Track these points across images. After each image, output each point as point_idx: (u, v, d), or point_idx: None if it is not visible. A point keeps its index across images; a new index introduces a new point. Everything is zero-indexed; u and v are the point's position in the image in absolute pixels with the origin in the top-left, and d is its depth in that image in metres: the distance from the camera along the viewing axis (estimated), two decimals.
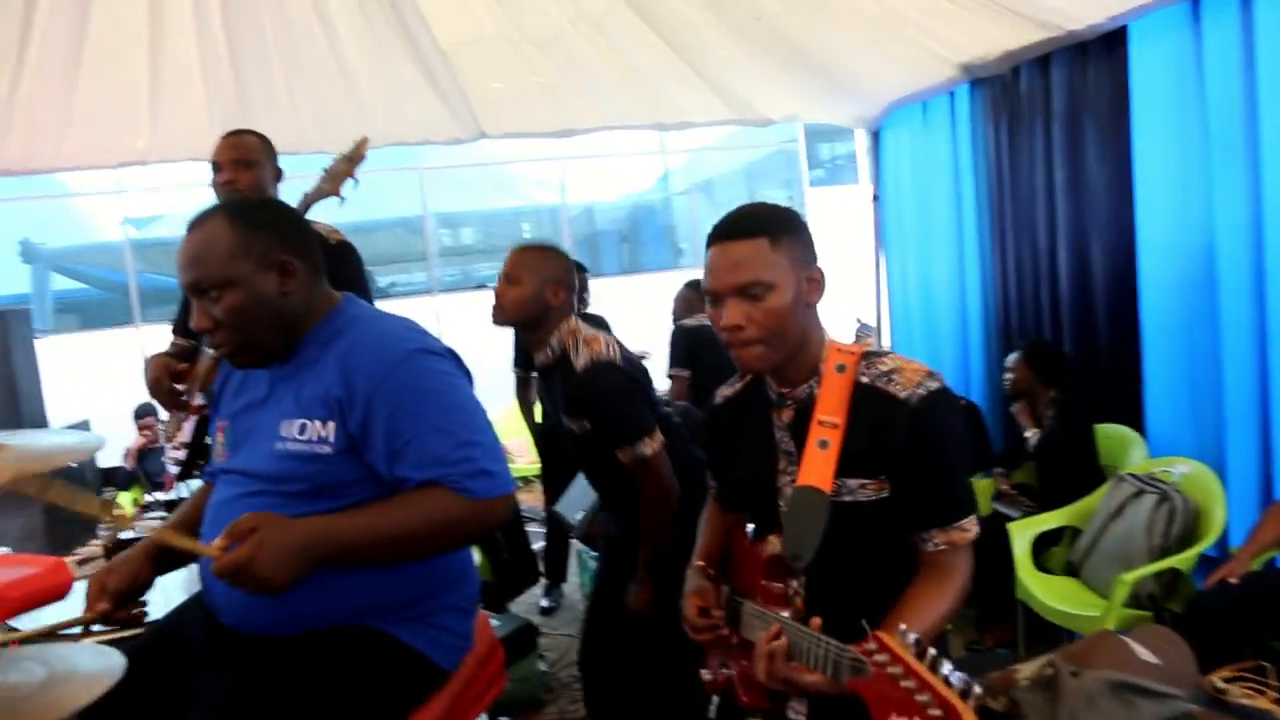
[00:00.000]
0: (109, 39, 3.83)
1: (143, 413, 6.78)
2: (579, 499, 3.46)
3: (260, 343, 1.55)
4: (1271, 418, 3.19)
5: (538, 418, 4.41)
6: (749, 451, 1.60)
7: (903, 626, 1.15)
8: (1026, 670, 1.44)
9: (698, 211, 12.59)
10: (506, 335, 4.68)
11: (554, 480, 4.32)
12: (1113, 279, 3.84)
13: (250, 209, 1.58)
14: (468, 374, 1.61)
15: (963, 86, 4.59)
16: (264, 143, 2.57)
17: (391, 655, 1.54)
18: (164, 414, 2.84)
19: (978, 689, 1.04)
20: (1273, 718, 1.29)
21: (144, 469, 6.46)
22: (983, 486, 3.94)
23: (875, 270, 5.64)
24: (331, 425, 1.48)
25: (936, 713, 1.02)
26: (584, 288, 4.67)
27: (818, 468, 1.42)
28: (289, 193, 2.59)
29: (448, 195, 11.51)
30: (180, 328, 2.70)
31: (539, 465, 4.75)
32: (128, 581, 1.58)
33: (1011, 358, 3.86)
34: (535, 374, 2.73)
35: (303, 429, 1.50)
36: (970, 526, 1.45)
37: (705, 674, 1.68)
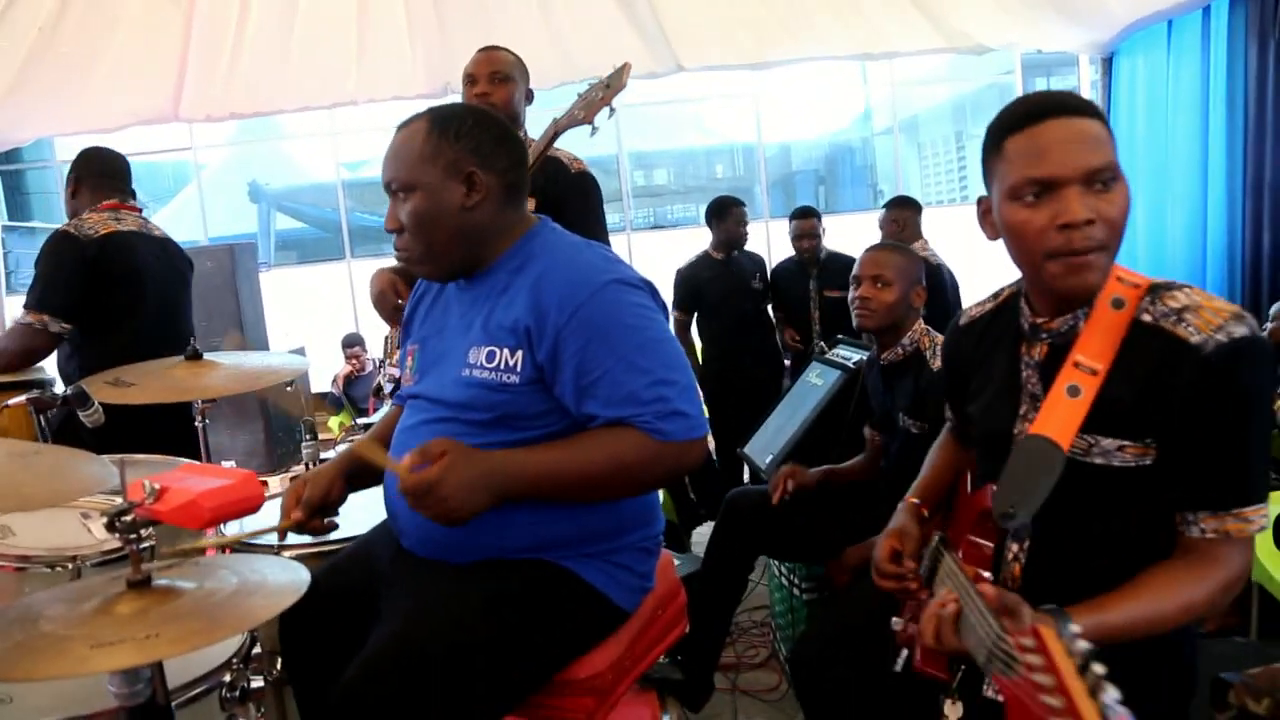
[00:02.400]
0: None
1: (350, 342, 7.22)
2: (770, 442, 3.37)
3: (440, 252, 1.52)
4: None
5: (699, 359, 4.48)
6: (989, 386, 1.40)
7: (1074, 627, 0.93)
8: None
9: (901, 151, 12.00)
10: None
11: (722, 424, 4.39)
12: None
13: (453, 118, 1.53)
14: (664, 308, 1.53)
15: (1221, 1, 4.07)
16: (518, 60, 2.57)
17: (571, 592, 1.51)
18: (369, 346, 2.94)
19: None
20: None
21: (350, 395, 6.89)
22: None
23: None
24: (520, 354, 1.45)
25: None
26: (742, 221, 4.62)
27: (1060, 418, 1.20)
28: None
29: (642, 135, 11.48)
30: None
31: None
32: (321, 493, 1.61)
33: (1278, 306, 3.43)
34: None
35: (491, 356, 1.47)
36: (1255, 517, 1.18)
37: (895, 622, 1.50)
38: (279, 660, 1.62)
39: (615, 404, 1.41)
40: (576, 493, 1.46)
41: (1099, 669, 0.86)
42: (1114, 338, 1.20)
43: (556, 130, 2.39)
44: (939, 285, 4.16)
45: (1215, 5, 4.14)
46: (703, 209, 4.75)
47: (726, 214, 4.66)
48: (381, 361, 2.88)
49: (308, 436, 2.43)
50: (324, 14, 4.20)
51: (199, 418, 2.37)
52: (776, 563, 3.05)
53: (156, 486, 1.18)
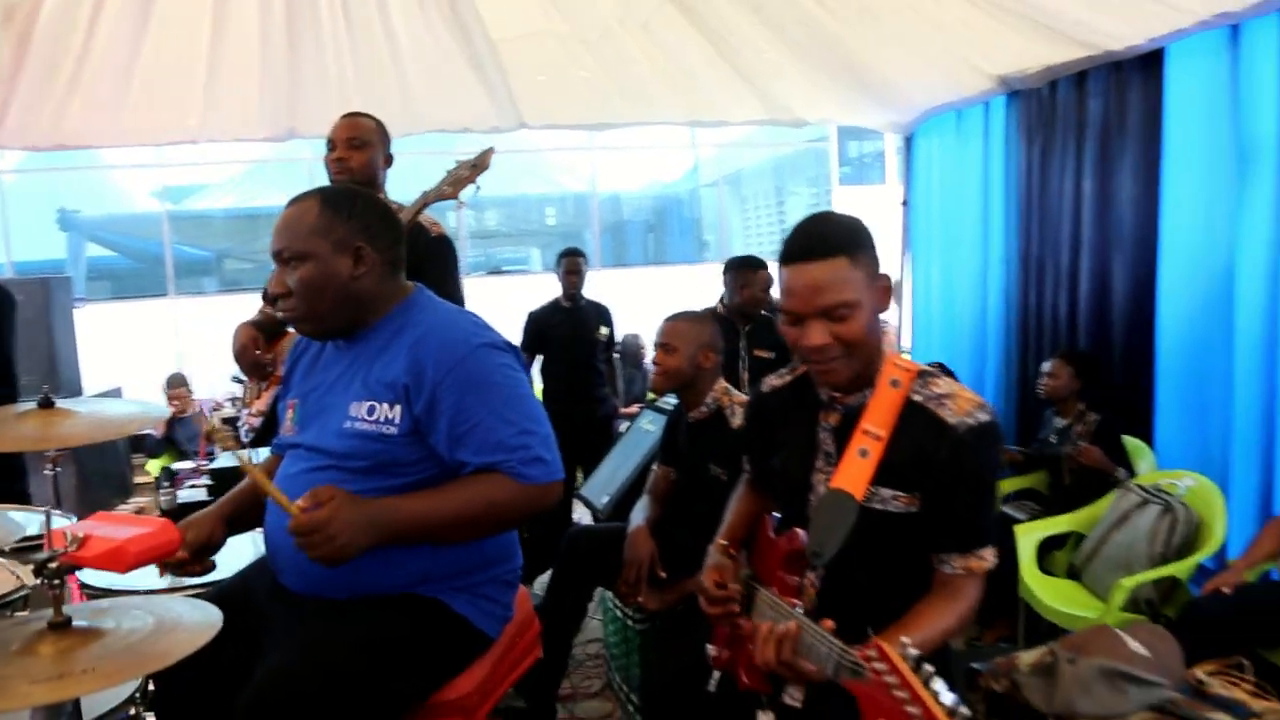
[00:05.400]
0: (174, 21, 3.95)
1: (174, 383, 6.95)
2: (606, 484, 3.60)
3: (324, 316, 1.68)
4: (1275, 437, 3.29)
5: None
6: (789, 444, 1.66)
7: (904, 639, 1.19)
8: (1028, 657, 1.55)
9: (725, 205, 12.63)
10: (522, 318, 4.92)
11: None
12: (1132, 295, 3.93)
13: (342, 197, 1.71)
14: (525, 368, 1.74)
15: (999, 98, 4.68)
16: (379, 126, 2.67)
17: (442, 621, 1.67)
18: (194, 386, 2.97)
19: (965, 710, 1.11)
20: (1246, 706, 1.41)
21: (173, 437, 6.62)
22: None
23: (901, 271, 5.76)
24: (399, 408, 1.62)
25: None
26: (576, 271, 4.86)
27: (853, 474, 1.48)
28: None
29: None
30: (270, 296, 2.83)
31: None
32: (204, 537, 1.72)
33: (1051, 363, 3.93)
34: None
35: (371, 410, 1.63)
36: (988, 556, 1.50)
37: (711, 649, 1.74)
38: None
39: (485, 451, 1.60)
40: (450, 532, 1.62)
41: (928, 668, 1.14)
42: (893, 411, 1.50)
43: (425, 202, 2.58)
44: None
45: (994, 102, 4.74)
46: (533, 253, 4.98)
47: (559, 263, 4.96)
48: (240, 411, 2.94)
49: (165, 484, 2.47)
50: (174, 49, 4.11)
51: (50, 467, 2.37)
52: (611, 596, 3.23)
53: (80, 534, 1.28)
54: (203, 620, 1.26)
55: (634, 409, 5.82)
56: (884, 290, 1.51)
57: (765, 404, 1.78)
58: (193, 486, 3.46)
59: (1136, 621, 2.84)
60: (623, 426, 4.59)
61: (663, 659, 2.65)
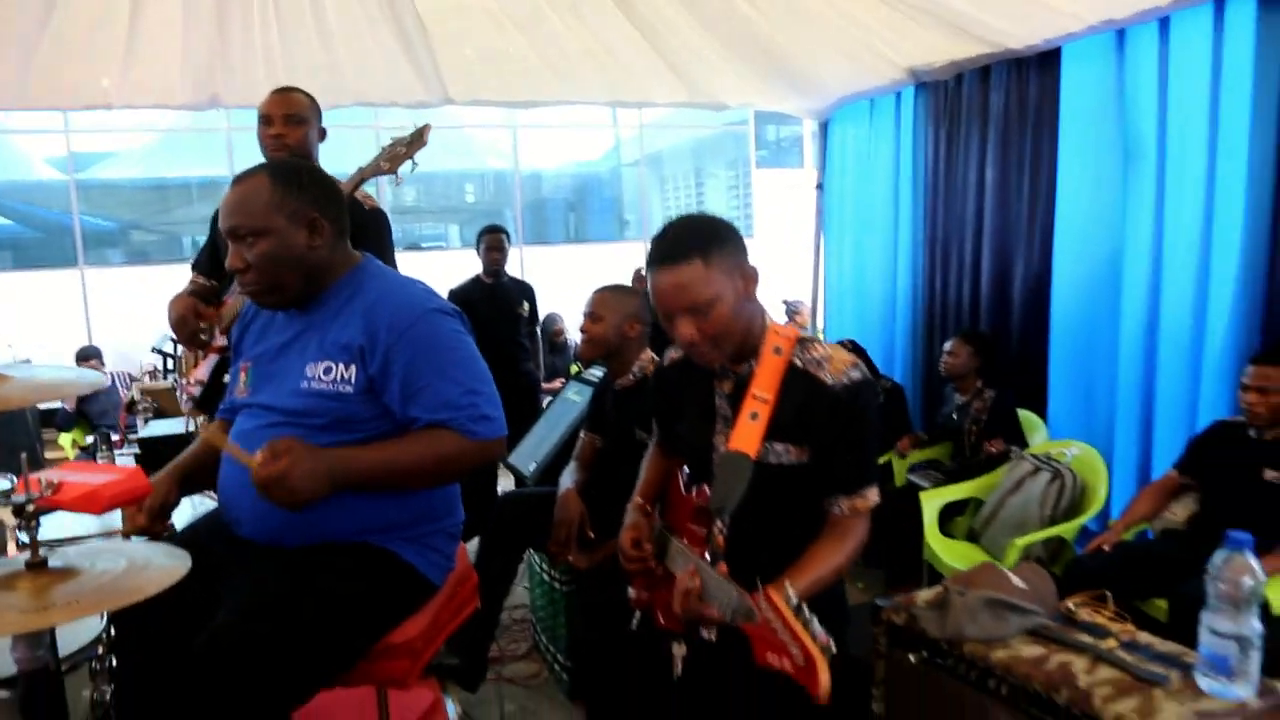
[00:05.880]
0: None
1: (86, 355, 6.80)
2: (534, 452, 3.71)
3: (284, 286, 1.76)
4: (1155, 410, 3.59)
5: None
6: (691, 410, 1.83)
7: (789, 585, 1.39)
8: (925, 594, 1.74)
9: (645, 185, 12.76)
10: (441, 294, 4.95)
11: None
12: (1029, 278, 4.21)
13: (291, 171, 1.78)
14: (471, 332, 1.85)
15: (909, 88, 4.92)
16: (312, 102, 2.70)
17: (392, 569, 1.78)
18: (100, 360, 2.98)
19: (832, 645, 1.31)
20: (1105, 628, 1.62)
21: (84, 411, 6.48)
22: (901, 463, 4.30)
23: (815, 253, 5.97)
24: (354, 368, 1.71)
25: (800, 659, 1.30)
26: (498, 248, 4.95)
27: (747, 435, 1.66)
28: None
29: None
30: (203, 267, 2.84)
31: None
32: (161, 499, 1.80)
33: (951, 342, 4.18)
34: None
35: (328, 370, 1.72)
36: (871, 495, 1.69)
37: (631, 592, 1.91)
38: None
39: (435, 409, 1.70)
40: (401, 482, 1.73)
41: (806, 612, 1.33)
42: (777, 376, 1.68)
43: (362, 177, 2.63)
44: None
45: (904, 92, 4.97)
46: (452, 230, 5.02)
47: (479, 241, 5.02)
48: (177, 380, 2.96)
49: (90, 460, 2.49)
50: (91, 8, 4.02)
51: None
52: (539, 560, 3.36)
53: (55, 480, 1.34)
54: (172, 561, 1.34)
55: (556, 384, 5.93)
56: (749, 279, 1.67)
57: (667, 375, 1.94)
58: (121, 456, 3.47)
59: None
60: (545, 402, 4.70)
61: (588, 617, 2.78)
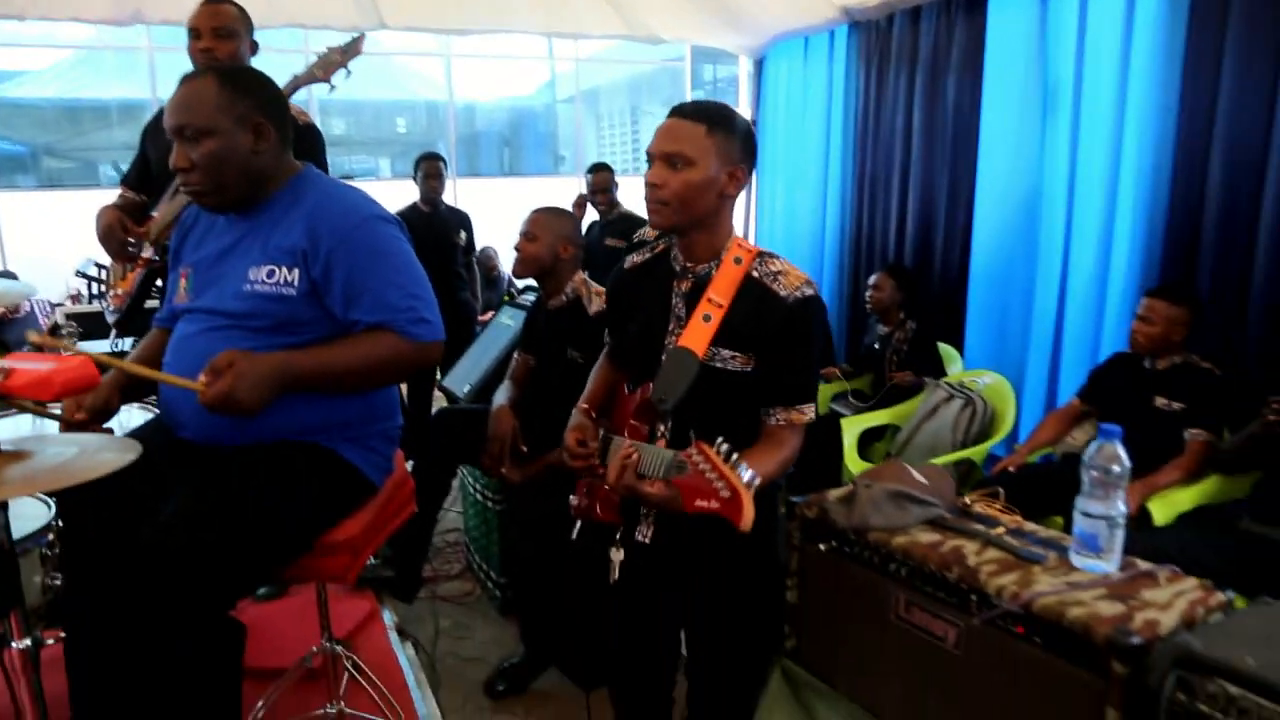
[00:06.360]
0: None
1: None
2: (467, 374, 3.77)
3: (226, 188, 1.79)
4: (1063, 341, 3.81)
5: None
6: (646, 311, 1.87)
7: (720, 439, 1.47)
8: (835, 492, 1.88)
9: (581, 121, 12.67)
10: None
11: None
12: (952, 216, 4.38)
13: (239, 75, 1.81)
14: (410, 240, 1.91)
15: (842, 27, 5.01)
16: (242, 14, 2.65)
17: (334, 468, 1.84)
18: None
19: (759, 481, 1.42)
20: (996, 519, 1.79)
21: (3, 339, 6.31)
22: (825, 391, 4.47)
23: (747, 190, 6.07)
24: (297, 272, 1.75)
25: (726, 494, 1.40)
26: (436, 175, 4.97)
27: (697, 335, 1.71)
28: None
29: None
30: (131, 182, 2.80)
31: None
32: (102, 402, 1.82)
33: (876, 276, 4.33)
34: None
35: (271, 274, 1.76)
36: (808, 410, 1.76)
37: (572, 499, 1.98)
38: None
39: (376, 311, 1.76)
40: (344, 383, 1.79)
41: (735, 455, 1.43)
42: (734, 284, 1.73)
43: (296, 85, 2.61)
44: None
45: (838, 31, 5.06)
46: (383, 163, 5.01)
47: (416, 168, 5.01)
48: (103, 293, 2.92)
49: None
50: None
51: None
52: (472, 480, 3.45)
53: (6, 366, 1.38)
54: (122, 449, 1.39)
55: (489, 316, 5.97)
56: (734, 178, 1.73)
57: (624, 279, 1.99)
58: None
59: None
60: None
61: (522, 531, 2.87)
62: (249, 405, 1.59)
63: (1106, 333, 3.62)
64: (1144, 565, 1.60)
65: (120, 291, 2.78)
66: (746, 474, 1.40)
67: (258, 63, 2.77)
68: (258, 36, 2.74)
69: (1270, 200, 3.03)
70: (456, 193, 9.17)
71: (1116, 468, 1.54)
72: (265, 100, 1.80)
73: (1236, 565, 2.27)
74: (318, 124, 2.81)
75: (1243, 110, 3.11)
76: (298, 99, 2.69)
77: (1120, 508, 1.56)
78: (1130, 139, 3.47)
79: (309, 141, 2.67)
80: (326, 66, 2.64)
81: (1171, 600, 1.48)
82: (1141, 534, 2.40)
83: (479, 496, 3.39)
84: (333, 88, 2.68)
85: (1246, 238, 3.13)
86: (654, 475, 1.59)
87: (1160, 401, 2.97)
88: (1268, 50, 3.02)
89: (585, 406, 1.99)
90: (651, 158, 1.71)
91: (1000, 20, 4.04)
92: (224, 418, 1.62)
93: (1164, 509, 2.70)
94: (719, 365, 1.72)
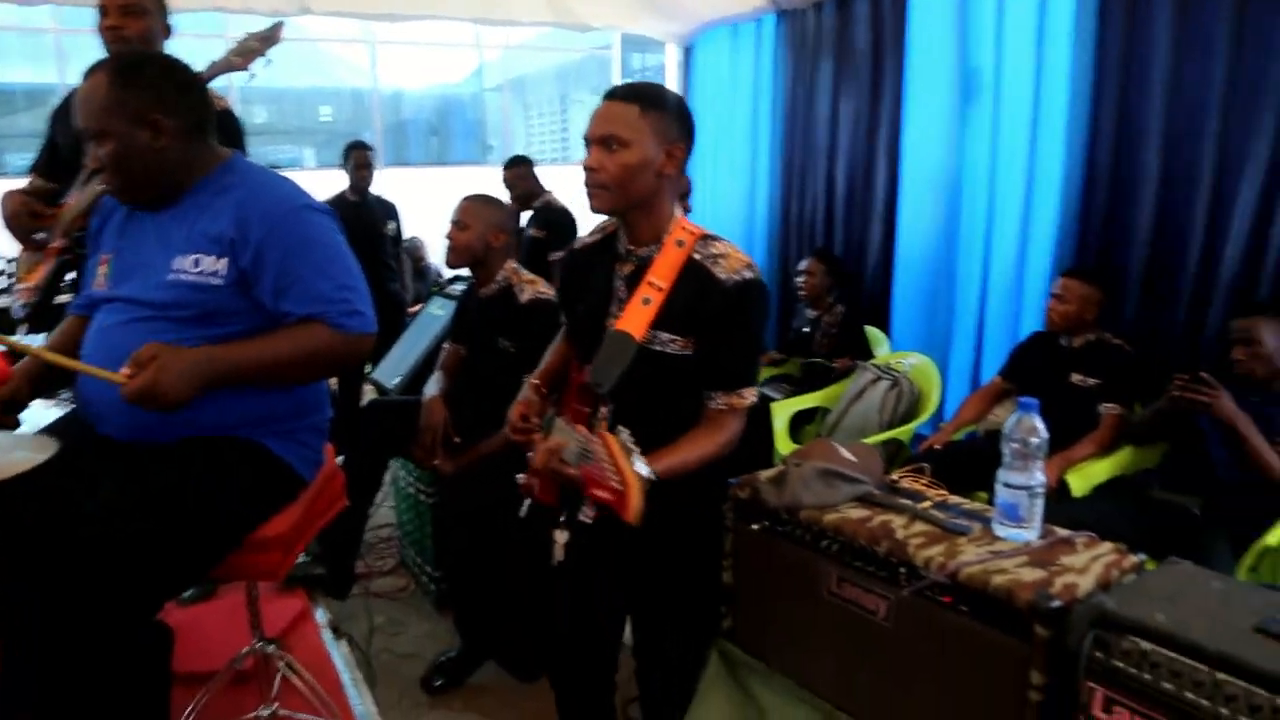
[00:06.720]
0: None
1: None
2: (397, 366, 3.74)
3: (138, 187, 1.76)
4: (986, 322, 3.92)
5: None
6: (592, 292, 1.87)
7: (626, 430, 1.49)
8: (766, 473, 1.92)
9: (509, 109, 12.57)
10: None
11: None
12: (878, 203, 4.46)
13: (133, 68, 1.73)
14: (342, 231, 1.88)
15: (769, 16, 5.05)
16: None
17: (263, 463, 1.80)
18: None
19: (651, 476, 1.46)
20: (922, 494, 1.84)
21: None
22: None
23: None
24: (224, 261, 1.71)
25: (617, 485, 1.41)
26: (366, 165, 4.91)
27: (636, 318, 1.71)
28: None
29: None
30: (41, 168, 2.70)
31: None
32: (10, 393, 1.77)
33: (807, 261, 4.39)
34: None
35: (196, 263, 1.71)
36: (748, 395, 1.76)
37: (521, 477, 1.93)
38: None
39: (308, 303, 1.72)
40: (273, 376, 1.75)
41: (633, 447, 1.46)
42: (675, 267, 1.73)
43: (213, 73, 2.54)
44: (568, 224, 4.86)
45: (765, 19, 5.10)
46: (306, 153, 4.95)
47: (346, 157, 4.94)
48: (9, 286, 2.80)
49: None
50: None
51: None
52: (404, 475, 3.41)
53: None
54: (40, 445, 1.35)
55: (417, 308, 5.91)
56: (672, 157, 1.71)
57: (576, 259, 1.98)
58: None
59: None
60: None
61: (456, 522, 2.86)
62: (174, 399, 1.55)
63: (1026, 313, 3.74)
64: (1063, 532, 1.66)
65: (29, 285, 2.67)
66: (643, 468, 1.42)
67: (175, 47, 2.69)
68: (178, 20, 2.66)
69: (1203, 184, 3.10)
70: (383, 182, 9.02)
71: (1035, 439, 1.60)
72: (162, 93, 1.74)
73: (1148, 531, 2.38)
74: (237, 112, 2.74)
75: (1157, 93, 3.21)
76: (216, 85, 2.62)
77: (1039, 478, 1.62)
78: (1047, 124, 3.58)
79: (227, 128, 2.60)
80: (244, 54, 2.58)
81: (1088, 564, 1.53)
82: (1061, 505, 2.49)
83: (411, 489, 3.36)
84: (252, 76, 2.62)
85: (1170, 219, 3.22)
86: (571, 461, 1.60)
87: (1076, 378, 3.08)
88: (1180, 34, 3.13)
89: (536, 382, 1.99)
90: (589, 142, 1.70)
91: (922, 8, 4.12)
92: (147, 412, 1.58)
93: (1081, 481, 2.81)
94: (658, 349, 1.72)
